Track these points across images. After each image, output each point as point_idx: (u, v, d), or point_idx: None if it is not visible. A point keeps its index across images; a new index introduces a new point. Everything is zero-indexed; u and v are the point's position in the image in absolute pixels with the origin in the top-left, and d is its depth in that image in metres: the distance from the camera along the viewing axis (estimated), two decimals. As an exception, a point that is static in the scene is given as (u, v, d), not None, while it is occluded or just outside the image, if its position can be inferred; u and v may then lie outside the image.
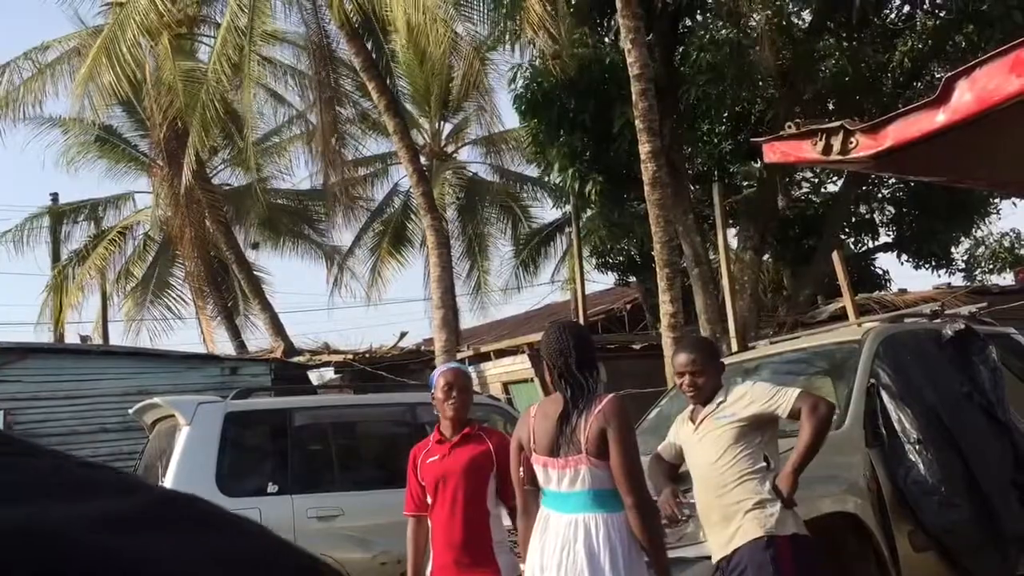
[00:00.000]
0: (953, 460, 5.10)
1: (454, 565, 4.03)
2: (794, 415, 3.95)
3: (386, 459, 7.28)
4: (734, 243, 15.42)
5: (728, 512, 3.93)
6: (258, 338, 20.41)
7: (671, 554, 4.38)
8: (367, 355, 15.99)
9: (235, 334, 20.15)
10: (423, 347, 17.32)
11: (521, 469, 3.50)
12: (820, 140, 2.53)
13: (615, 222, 15.96)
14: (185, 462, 6.39)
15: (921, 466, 4.93)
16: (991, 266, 19.00)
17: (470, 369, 16.31)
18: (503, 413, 7.91)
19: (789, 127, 2.77)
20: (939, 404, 5.30)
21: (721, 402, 4.05)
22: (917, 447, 4.98)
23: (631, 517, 3.15)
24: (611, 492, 3.27)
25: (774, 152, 2.80)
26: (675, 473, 4.47)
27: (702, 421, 4.08)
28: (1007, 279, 19.75)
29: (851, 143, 2.46)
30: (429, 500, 4.14)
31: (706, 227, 15.29)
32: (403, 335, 17.35)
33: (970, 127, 2.30)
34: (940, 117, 2.31)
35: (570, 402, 3.33)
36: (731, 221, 15.20)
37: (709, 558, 4.18)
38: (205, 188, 19.08)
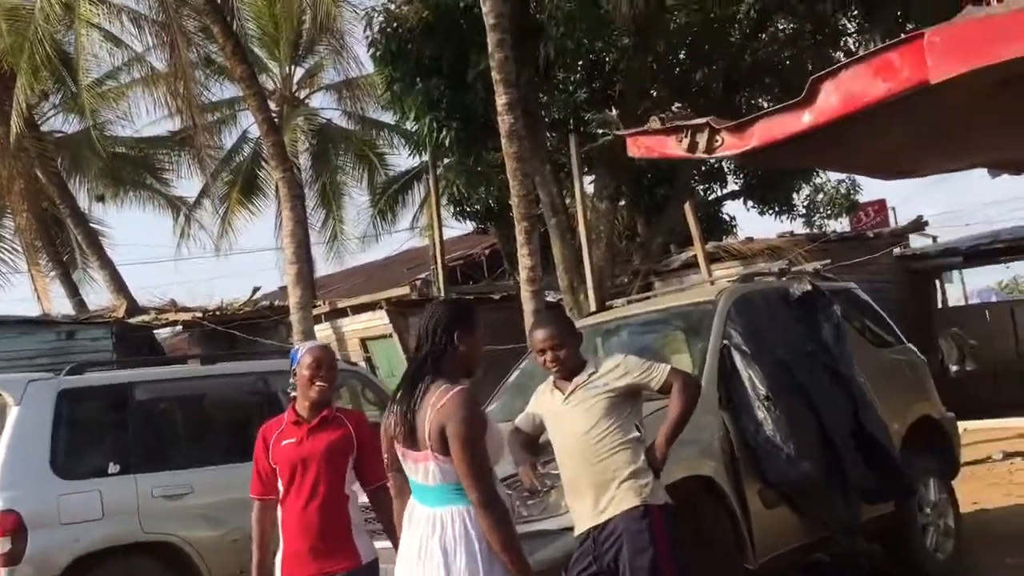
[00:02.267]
0: (804, 415, 5.25)
1: (308, 552, 3.86)
2: (665, 389, 4.06)
3: (238, 432, 6.93)
4: (590, 191, 15.54)
5: (601, 481, 3.93)
6: (98, 292, 19.35)
7: (533, 527, 4.37)
8: (217, 312, 15.36)
9: (73, 291, 18.97)
10: (276, 302, 16.80)
11: (386, 455, 3.27)
12: (685, 137, 2.46)
13: (472, 171, 15.79)
14: (16, 445, 5.94)
15: (770, 423, 5.05)
16: (829, 211, 19.89)
17: (326, 327, 15.86)
18: (360, 378, 7.70)
19: (653, 121, 2.67)
20: (789, 361, 5.45)
21: (592, 372, 4.07)
22: (766, 403, 5.10)
23: (479, 518, 2.95)
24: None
25: (638, 147, 2.70)
26: (535, 445, 4.42)
27: (573, 391, 4.06)
28: (843, 224, 20.76)
29: (716, 141, 2.40)
30: (281, 485, 3.94)
31: (562, 175, 15.32)
32: (256, 290, 16.76)
33: (836, 126, 2.27)
34: (806, 118, 2.26)
35: (407, 392, 3.11)
36: (587, 170, 15.29)
37: (571, 529, 4.16)
38: (35, 136, 17.74)
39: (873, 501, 5.57)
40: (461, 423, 2.96)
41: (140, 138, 21.41)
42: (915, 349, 7.07)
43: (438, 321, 3.17)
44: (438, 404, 3.00)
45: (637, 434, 4.02)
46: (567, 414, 4.06)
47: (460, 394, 3.01)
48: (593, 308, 10.99)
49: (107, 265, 18.14)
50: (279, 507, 3.98)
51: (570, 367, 4.09)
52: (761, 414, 5.07)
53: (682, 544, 3.96)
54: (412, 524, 3.15)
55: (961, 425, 7.09)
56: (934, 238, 17.40)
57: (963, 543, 6.51)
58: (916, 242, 16.83)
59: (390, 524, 4.13)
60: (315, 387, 3.97)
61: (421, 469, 3.09)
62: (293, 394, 4.08)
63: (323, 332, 14.92)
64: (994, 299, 24.74)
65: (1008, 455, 10.66)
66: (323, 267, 23.57)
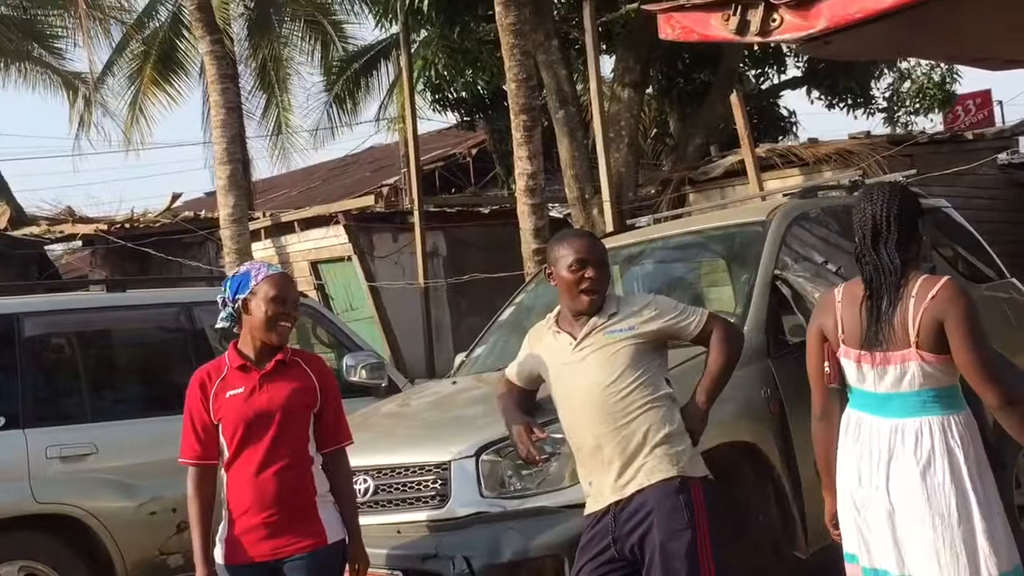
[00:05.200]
0: None
1: (263, 527, 3.95)
2: (702, 338, 4.16)
3: (154, 378, 7.04)
4: (608, 75, 15.44)
5: (629, 446, 3.96)
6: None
7: (529, 504, 4.48)
8: (127, 225, 15.37)
9: (-58, 194, 18.96)
10: (203, 213, 16.79)
11: (827, 364, 3.62)
12: (734, 15, 2.44)
13: (457, 46, 15.66)
14: None
15: None
16: (917, 105, 19.72)
17: (267, 246, 15.87)
18: (311, 313, 7.73)
19: (695, -7, 2.65)
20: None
21: (613, 313, 4.10)
22: None
23: (1004, 420, 3.34)
24: (946, 391, 3.44)
25: (673, 27, 2.67)
26: (531, 402, 4.48)
27: (588, 335, 4.09)
28: (934, 122, 20.61)
29: (773, 21, 2.38)
30: (225, 446, 4.01)
31: (573, 54, 15.21)
32: (176, 197, 16.73)
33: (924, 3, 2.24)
34: (890, -7, 2.24)
35: (873, 285, 3.44)
36: (605, 47, 15.17)
37: (576, 507, 4.23)
38: None
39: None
40: (966, 313, 3.34)
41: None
42: (1020, 285, 7.13)
43: (902, 207, 3.51)
44: (930, 293, 3.36)
45: (669, 390, 4.09)
46: (579, 364, 4.07)
47: (954, 283, 3.41)
48: (610, 227, 11.04)
49: (-16, 161, 18.10)
50: (224, 473, 4.04)
51: (601, 300, 4.13)
52: None
53: (720, 527, 4.04)
54: (866, 439, 3.50)
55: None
56: (1051, 142, 17.34)
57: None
58: (1028, 147, 16.78)
59: (347, 496, 4.22)
60: (276, 329, 4.01)
61: (893, 373, 3.41)
62: (223, 326, 4.12)
63: (263, 252, 14.95)
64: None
65: None
66: (263, 168, 23.53)
